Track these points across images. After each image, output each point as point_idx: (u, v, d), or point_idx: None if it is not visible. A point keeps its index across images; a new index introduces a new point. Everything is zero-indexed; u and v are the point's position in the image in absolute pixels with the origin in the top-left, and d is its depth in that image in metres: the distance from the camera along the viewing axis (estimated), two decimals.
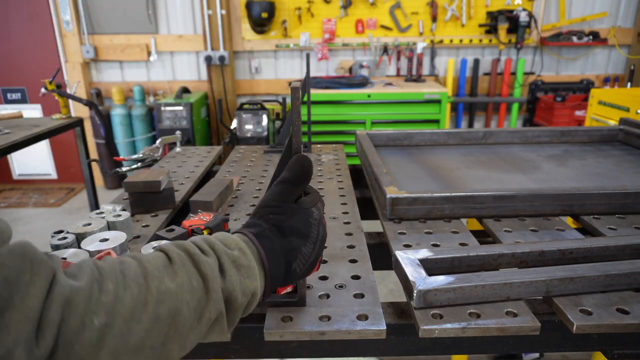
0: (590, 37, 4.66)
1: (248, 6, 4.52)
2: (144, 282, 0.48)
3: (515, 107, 4.93)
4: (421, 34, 4.77)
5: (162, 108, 4.33)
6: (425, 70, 4.94)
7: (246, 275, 0.57)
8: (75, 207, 4.64)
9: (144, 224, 1.12)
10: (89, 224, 0.97)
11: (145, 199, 1.18)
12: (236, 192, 1.36)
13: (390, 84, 4.45)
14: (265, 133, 4.26)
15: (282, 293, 0.77)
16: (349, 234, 1.06)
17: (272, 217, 0.63)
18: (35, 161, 5.12)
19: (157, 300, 0.48)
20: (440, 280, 0.77)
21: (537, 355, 2.40)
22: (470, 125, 5.09)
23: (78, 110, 4.76)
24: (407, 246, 0.98)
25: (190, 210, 1.16)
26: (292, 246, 0.62)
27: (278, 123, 4.34)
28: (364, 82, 4.32)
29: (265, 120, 4.24)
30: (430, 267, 0.85)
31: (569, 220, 1.42)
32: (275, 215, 0.63)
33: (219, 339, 0.56)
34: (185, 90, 4.68)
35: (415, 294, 0.75)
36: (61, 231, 0.96)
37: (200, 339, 0.53)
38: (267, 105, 4.40)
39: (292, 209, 0.64)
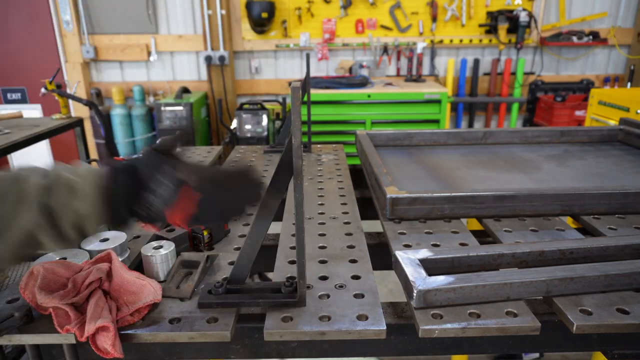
0: (590, 37, 4.66)
1: (248, 6, 4.52)
2: None
3: (515, 107, 4.93)
4: (421, 34, 4.77)
5: (162, 108, 4.33)
6: (425, 70, 4.94)
7: (76, 197, 0.66)
8: None
9: None
10: None
11: None
12: None
13: (390, 84, 4.45)
14: (265, 133, 4.26)
15: (149, 228, 0.81)
16: (349, 234, 1.06)
17: (134, 159, 0.74)
18: (35, 161, 5.08)
19: None
20: (440, 280, 0.77)
21: (537, 355, 2.40)
22: (470, 125, 5.09)
23: (78, 110, 4.76)
24: (407, 246, 0.98)
25: None
26: (134, 190, 0.72)
27: (278, 123, 4.34)
28: (364, 82, 4.32)
29: (265, 120, 4.24)
30: (430, 267, 0.85)
31: (569, 220, 1.42)
32: (138, 160, 0.74)
33: (48, 249, 0.67)
34: (185, 90, 4.68)
35: (415, 294, 0.75)
36: None
37: (21, 247, 0.63)
38: (267, 105, 4.40)
39: (153, 161, 0.74)
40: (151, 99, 4.87)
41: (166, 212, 0.72)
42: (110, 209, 0.69)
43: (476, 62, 4.84)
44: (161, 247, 0.87)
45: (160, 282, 0.85)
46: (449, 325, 0.72)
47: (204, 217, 0.76)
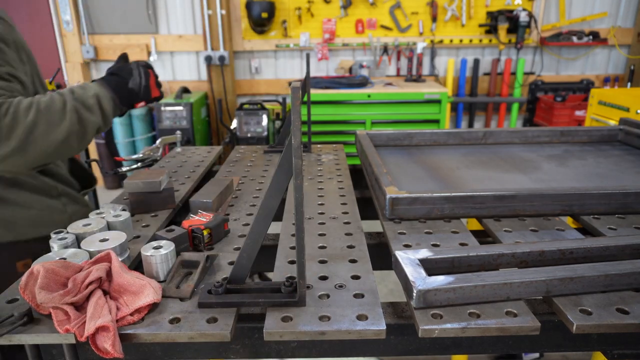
0: (590, 37, 4.66)
1: (248, 6, 4.52)
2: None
3: (515, 107, 4.93)
4: (421, 34, 4.77)
5: (162, 108, 4.33)
6: (425, 70, 4.94)
7: (85, 89, 1.20)
8: None
9: (144, 224, 1.12)
10: (89, 224, 0.97)
11: (145, 199, 1.18)
12: (236, 192, 1.36)
13: (390, 84, 4.45)
14: (265, 133, 4.26)
15: (138, 106, 1.37)
16: (349, 234, 1.06)
17: (110, 69, 1.34)
18: None
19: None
20: (440, 280, 0.77)
21: (537, 355, 2.40)
22: (470, 125, 5.10)
23: None
24: (407, 246, 0.98)
25: (190, 210, 1.16)
26: (121, 76, 1.30)
27: (278, 123, 4.35)
28: (364, 82, 4.33)
29: (265, 120, 4.24)
30: (430, 267, 0.85)
31: (569, 220, 1.42)
32: (111, 69, 1.34)
33: (95, 125, 1.19)
34: (185, 90, 4.68)
35: (415, 294, 0.75)
36: (61, 231, 0.96)
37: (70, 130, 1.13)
38: (267, 105, 4.40)
39: (120, 65, 1.35)
40: None
41: (150, 84, 1.34)
42: (110, 90, 1.24)
43: (476, 62, 4.84)
44: (161, 247, 0.87)
45: (160, 282, 0.85)
46: (448, 325, 0.72)
47: (158, 82, 1.40)
